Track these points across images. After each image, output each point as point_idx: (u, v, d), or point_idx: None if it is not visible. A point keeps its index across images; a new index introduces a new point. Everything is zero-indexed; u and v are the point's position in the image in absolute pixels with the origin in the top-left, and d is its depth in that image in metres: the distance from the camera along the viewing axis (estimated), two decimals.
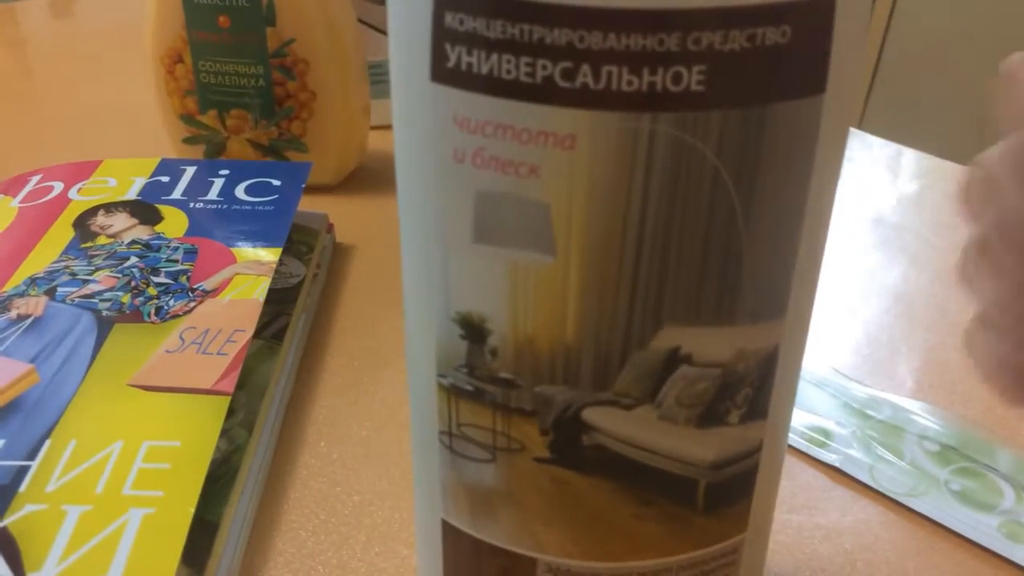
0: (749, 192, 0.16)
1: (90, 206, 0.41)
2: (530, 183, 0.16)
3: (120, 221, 0.39)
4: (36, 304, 0.34)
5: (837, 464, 0.32)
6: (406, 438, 0.33)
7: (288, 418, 0.34)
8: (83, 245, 0.38)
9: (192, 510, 0.25)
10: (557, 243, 0.16)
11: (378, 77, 0.57)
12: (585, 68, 0.14)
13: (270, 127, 0.49)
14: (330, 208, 0.49)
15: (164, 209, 0.40)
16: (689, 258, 0.16)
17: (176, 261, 0.37)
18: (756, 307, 0.17)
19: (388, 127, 0.58)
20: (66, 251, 0.37)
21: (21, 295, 0.34)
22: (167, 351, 0.31)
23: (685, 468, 0.19)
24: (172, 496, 0.26)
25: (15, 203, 0.41)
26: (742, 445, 0.19)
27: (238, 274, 0.36)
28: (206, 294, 0.35)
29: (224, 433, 0.30)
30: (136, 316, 0.33)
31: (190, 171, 0.44)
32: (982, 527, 0.29)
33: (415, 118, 0.17)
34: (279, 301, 0.38)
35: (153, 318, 0.33)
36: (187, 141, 0.51)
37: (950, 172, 0.55)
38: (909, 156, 0.57)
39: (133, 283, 0.35)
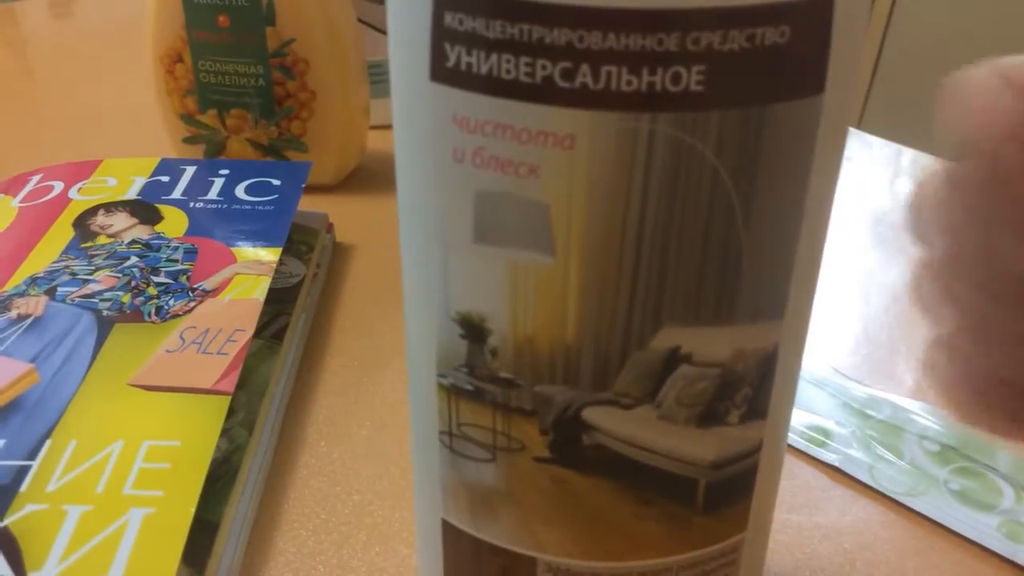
0: (748, 192, 0.16)
1: (90, 206, 0.41)
2: (529, 183, 0.16)
3: (120, 221, 0.39)
4: (36, 304, 0.34)
5: (837, 464, 0.32)
6: (406, 438, 0.33)
7: (288, 418, 0.34)
8: (83, 245, 0.38)
9: (192, 510, 0.25)
10: (557, 243, 0.16)
11: (378, 77, 0.57)
12: (584, 68, 0.14)
13: (270, 127, 0.49)
14: (330, 208, 0.49)
15: (164, 209, 0.40)
16: (688, 258, 0.16)
17: (176, 261, 0.37)
18: (755, 307, 0.17)
19: (388, 127, 0.58)
20: (66, 251, 0.37)
21: (21, 295, 0.34)
22: (167, 351, 0.31)
23: (685, 468, 0.19)
24: (172, 496, 0.26)
25: (15, 203, 0.41)
26: (742, 445, 0.19)
27: (238, 274, 0.36)
28: (206, 294, 0.35)
29: (224, 433, 0.30)
30: (136, 316, 0.33)
31: (190, 171, 0.44)
32: (982, 527, 0.29)
33: (415, 118, 0.17)
34: (279, 301, 0.38)
35: (153, 318, 0.33)
36: (187, 141, 0.51)
37: None
38: (908, 156, 0.57)
39: (133, 283, 0.35)
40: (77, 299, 0.34)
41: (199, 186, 0.42)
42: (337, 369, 0.37)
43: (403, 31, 0.16)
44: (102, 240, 0.38)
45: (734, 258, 0.17)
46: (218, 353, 0.31)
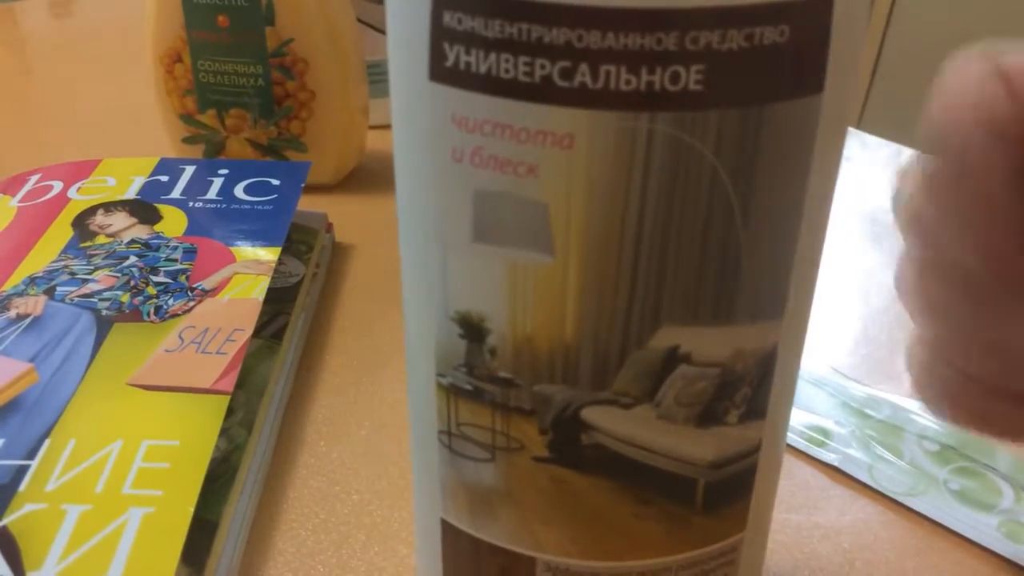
0: (747, 191, 0.16)
1: (89, 205, 0.41)
2: (528, 182, 0.16)
3: (119, 220, 0.39)
4: (35, 303, 0.34)
5: (836, 463, 0.32)
6: (405, 437, 0.33)
7: (287, 417, 0.34)
8: (82, 244, 0.38)
9: (192, 509, 0.25)
10: (556, 242, 0.16)
11: (377, 77, 0.57)
12: (583, 67, 0.14)
13: (269, 126, 0.49)
14: (329, 207, 0.49)
15: (163, 208, 0.40)
16: (687, 257, 0.16)
17: (175, 260, 0.37)
18: (755, 306, 0.17)
19: (387, 127, 0.58)
20: (65, 250, 0.37)
21: (20, 294, 0.34)
22: (166, 350, 0.31)
23: (684, 467, 0.19)
24: (172, 495, 0.26)
25: (14, 202, 0.41)
26: (741, 444, 0.19)
27: (237, 273, 0.36)
28: (205, 293, 0.35)
29: (223, 432, 0.30)
30: (135, 315, 0.33)
31: (189, 170, 0.44)
32: (981, 526, 0.29)
33: (414, 117, 0.17)
34: (278, 300, 0.38)
35: (152, 317, 0.33)
36: (186, 140, 0.51)
37: None
38: (908, 156, 0.57)
39: (132, 282, 0.35)
40: (76, 299, 0.34)
41: (198, 186, 0.42)
42: (336, 369, 0.37)
43: (402, 30, 0.16)
44: (101, 240, 0.38)
45: (733, 258, 0.17)
46: (217, 353, 0.31)
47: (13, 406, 0.29)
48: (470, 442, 0.19)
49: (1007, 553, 0.28)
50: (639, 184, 0.15)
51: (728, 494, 0.20)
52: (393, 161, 0.18)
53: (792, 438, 0.33)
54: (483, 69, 0.15)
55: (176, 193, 0.42)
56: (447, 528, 0.21)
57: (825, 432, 0.33)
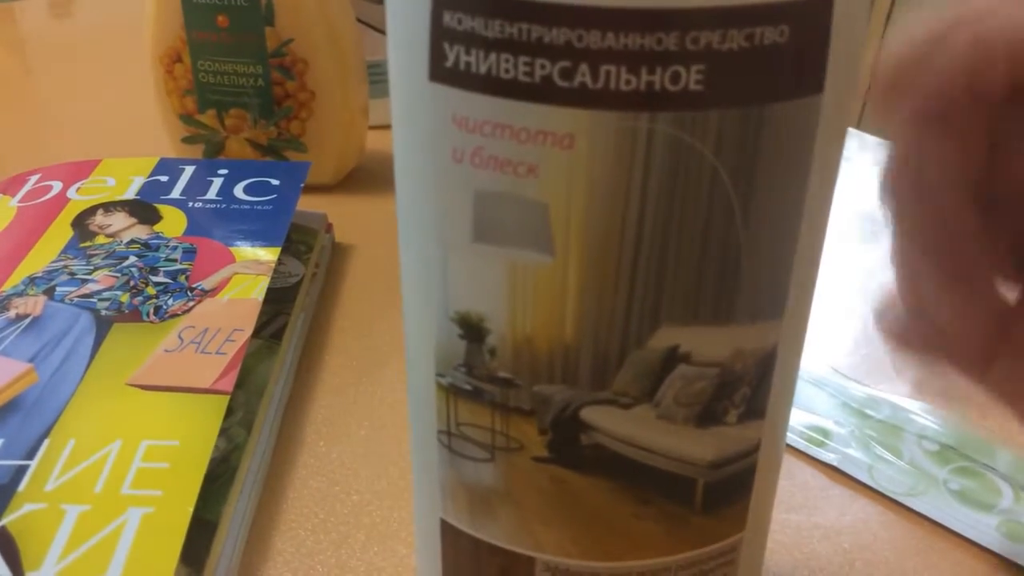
0: (747, 192, 0.16)
1: (89, 205, 0.41)
2: (528, 182, 0.16)
3: (119, 220, 0.39)
4: (35, 304, 0.34)
5: (836, 463, 0.32)
6: (405, 437, 0.33)
7: (287, 417, 0.34)
8: (82, 244, 0.38)
9: (191, 509, 0.25)
10: (555, 242, 0.16)
11: (377, 77, 0.57)
12: (583, 67, 0.14)
13: (269, 127, 0.49)
14: (329, 208, 0.49)
15: (163, 208, 0.40)
16: (687, 257, 0.16)
17: (175, 260, 0.37)
18: (754, 306, 0.17)
19: (387, 127, 0.58)
20: (65, 250, 0.37)
21: (20, 295, 0.34)
22: (166, 350, 0.31)
23: (683, 467, 0.19)
24: (171, 495, 0.26)
25: (14, 203, 0.41)
26: (740, 444, 0.19)
27: (237, 273, 0.36)
28: (205, 293, 0.35)
29: (223, 432, 0.30)
30: (135, 315, 0.33)
31: (189, 170, 0.44)
32: (981, 526, 0.29)
33: (414, 118, 0.17)
34: (278, 300, 0.38)
35: (152, 317, 0.33)
36: (186, 140, 0.51)
37: None
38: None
39: (132, 282, 0.35)
40: (76, 299, 0.34)
41: (198, 186, 0.42)
42: (336, 369, 0.37)
43: (402, 31, 0.16)
44: (101, 240, 0.38)
45: (733, 258, 0.17)
46: (217, 353, 0.31)
47: (12, 406, 0.29)
48: (470, 442, 0.19)
49: (1007, 553, 0.28)
50: (639, 184, 0.15)
51: (727, 494, 0.20)
52: (393, 161, 0.18)
53: (792, 438, 0.33)
54: (483, 69, 0.15)
55: (176, 193, 0.42)
56: (447, 528, 0.21)
57: (825, 432, 0.33)
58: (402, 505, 0.30)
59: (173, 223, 0.39)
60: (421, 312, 0.19)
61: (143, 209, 0.40)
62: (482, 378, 0.18)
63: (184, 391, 0.30)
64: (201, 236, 0.38)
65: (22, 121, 0.61)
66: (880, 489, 0.31)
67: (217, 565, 0.26)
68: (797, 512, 0.30)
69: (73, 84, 0.68)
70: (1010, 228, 0.20)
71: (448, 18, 0.15)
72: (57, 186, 0.42)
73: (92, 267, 0.36)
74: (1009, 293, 0.21)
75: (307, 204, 0.49)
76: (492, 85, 0.15)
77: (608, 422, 0.18)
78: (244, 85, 0.48)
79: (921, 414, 0.34)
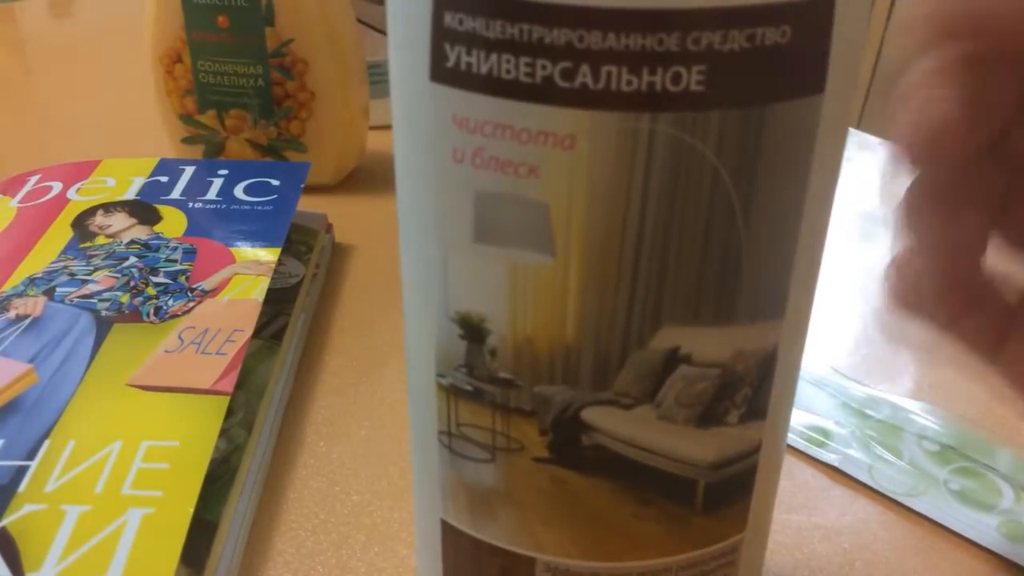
0: (748, 192, 0.16)
1: (89, 206, 0.41)
2: (529, 183, 0.16)
3: (119, 221, 0.39)
4: (35, 304, 0.34)
5: (836, 464, 0.32)
6: (405, 438, 0.33)
7: (287, 418, 0.34)
8: (82, 245, 0.38)
9: (191, 510, 0.25)
10: (556, 243, 0.16)
11: (377, 77, 0.57)
12: (584, 68, 0.14)
13: (269, 127, 0.49)
14: (329, 208, 0.49)
15: (163, 209, 0.40)
16: (688, 258, 0.16)
17: (175, 261, 0.37)
18: (755, 307, 0.17)
19: (387, 127, 0.58)
20: (65, 251, 0.37)
21: (20, 295, 0.34)
22: (166, 351, 0.31)
23: (684, 468, 0.19)
24: (171, 496, 0.26)
25: (14, 203, 0.41)
26: (741, 445, 0.19)
27: (237, 274, 0.36)
28: (205, 294, 0.35)
29: (223, 433, 0.30)
30: (135, 316, 0.33)
31: (189, 171, 0.44)
32: (981, 527, 0.29)
33: (414, 118, 0.17)
34: (278, 301, 0.38)
35: (152, 318, 0.33)
36: (186, 141, 0.51)
37: None
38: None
39: (132, 283, 0.35)
40: (76, 299, 0.34)
41: (198, 186, 0.42)
42: (336, 369, 0.37)
43: (403, 31, 0.16)
44: (101, 240, 0.38)
45: (734, 258, 0.17)
46: (217, 353, 0.31)
47: (13, 407, 0.29)
48: (470, 443, 0.19)
49: (1007, 553, 0.28)
50: (640, 185, 0.15)
51: (728, 494, 0.20)
52: (393, 162, 0.18)
53: (792, 438, 0.33)
54: (484, 70, 0.15)
55: (176, 194, 0.42)
56: (447, 529, 0.21)
57: (825, 432, 0.33)
58: (402, 506, 0.30)
59: (173, 223, 0.39)
60: (422, 312, 0.19)
61: (143, 210, 0.40)
62: (483, 379, 0.18)
63: (184, 392, 0.30)
64: (201, 237, 0.38)
65: (22, 121, 0.61)
66: (880, 489, 0.31)
67: (217, 566, 0.26)
68: (797, 512, 0.30)
69: (73, 84, 0.68)
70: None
71: (449, 19, 0.15)
72: (57, 187, 0.42)
73: (92, 268, 0.36)
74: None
75: (307, 204, 0.49)
76: (493, 85, 0.15)
77: (609, 423, 0.18)
78: (244, 85, 0.48)
79: (921, 414, 0.34)
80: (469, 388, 0.19)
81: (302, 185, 0.42)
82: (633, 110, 0.15)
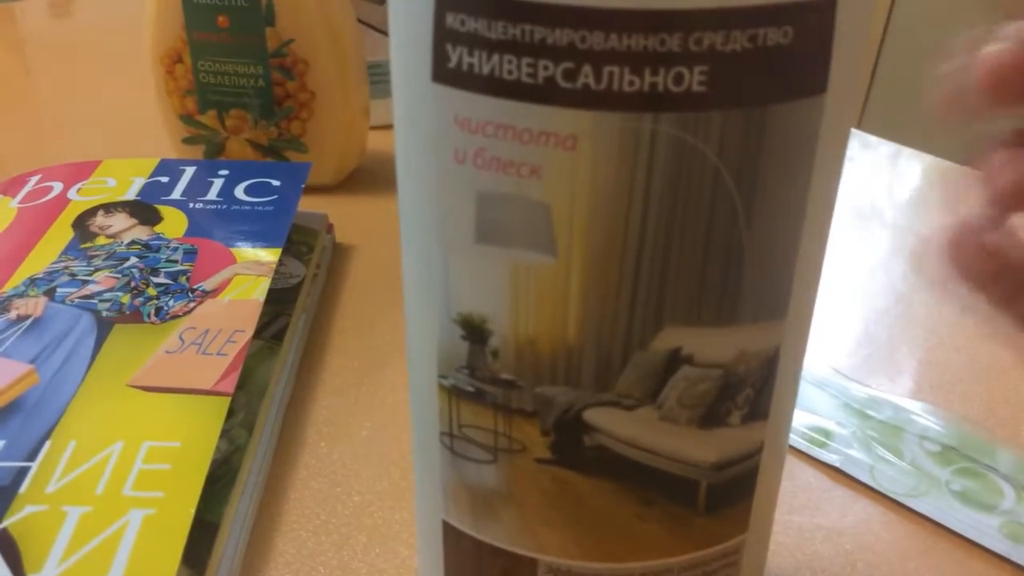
0: (750, 192, 0.16)
1: (89, 206, 0.40)
2: (531, 184, 0.16)
3: (119, 221, 0.39)
4: (35, 305, 0.34)
5: (837, 464, 0.32)
6: (407, 438, 0.33)
7: (288, 418, 0.34)
8: (82, 245, 0.38)
9: (192, 511, 0.25)
10: (558, 244, 0.16)
11: (378, 77, 0.57)
12: (587, 68, 0.14)
13: (269, 127, 0.49)
14: (330, 208, 0.49)
15: (163, 209, 0.40)
16: (690, 258, 0.16)
17: (176, 261, 0.37)
18: (757, 307, 0.17)
19: (388, 127, 0.58)
20: (65, 251, 0.37)
21: (20, 296, 0.34)
22: (167, 351, 0.31)
23: (686, 469, 0.19)
24: (172, 497, 0.26)
25: (14, 203, 0.41)
26: (743, 446, 0.19)
27: (238, 274, 0.36)
28: (206, 294, 0.35)
29: (224, 434, 0.30)
30: (136, 316, 0.33)
31: (189, 171, 0.44)
32: (983, 527, 0.29)
33: (416, 119, 0.17)
34: (279, 301, 0.38)
35: (153, 318, 0.33)
36: (186, 141, 0.51)
37: (949, 172, 0.55)
38: (908, 156, 0.57)
39: (133, 283, 0.35)
40: (76, 300, 0.34)
41: (199, 187, 0.42)
42: (337, 370, 0.37)
43: (405, 32, 0.16)
44: (101, 241, 0.38)
45: (736, 258, 0.17)
46: (218, 354, 0.31)
47: (14, 407, 0.29)
48: (472, 444, 0.19)
49: (1009, 554, 0.28)
50: (642, 185, 0.15)
51: (730, 495, 0.20)
52: (394, 162, 0.18)
53: (794, 439, 0.33)
54: (486, 70, 0.15)
55: (176, 194, 0.42)
56: (449, 530, 0.21)
57: (826, 433, 0.33)
58: (404, 506, 0.30)
59: (174, 224, 0.39)
60: (423, 313, 0.19)
61: (144, 210, 0.40)
62: (484, 380, 0.18)
63: (185, 392, 0.30)
64: (202, 237, 0.38)
65: (22, 121, 0.61)
66: (882, 490, 0.31)
67: (219, 567, 0.26)
68: (799, 513, 0.30)
69: (73, 84, 0.68)
70: None
71: (451, 19, 0.15)
72: (58, 187, 0.42)
73: (93, 268, 0.36)
74: None
75: (308, 205, 0.49)
76: (495, 86, 0.15)
77: (611, 424, 0.18)
78: (245, 86, 0.48)
79: (922, 415, 0.34)
80: (471, 389, 0.19)
81: (303, 185, 0.42)
82: (635, 110, 0.15)
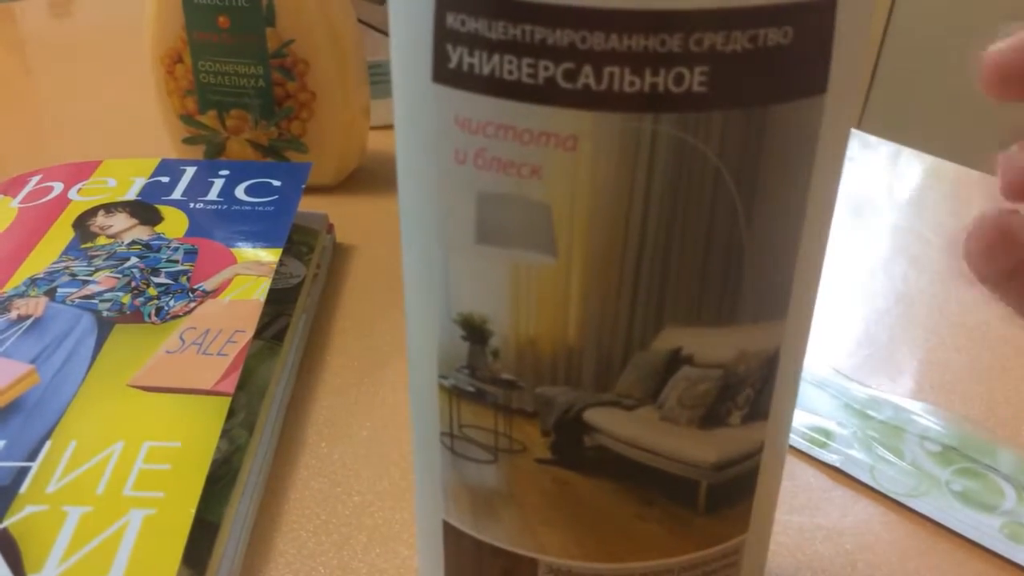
0: (750, 192, 0.16)
1: (90, 206, 0.40)
2: (532, 184, 0.16)
3: (120, 221, 0.39)
4: (36, 305, 0.34)
5: (838, 464, 0.32)
6: (407, 439, 0.33)
7: (289, 418, 0.34)
8: (83, 245, 0.38)
9: (193, 511, 0.25)
10: (559, 244, 0.16)
11: (378, 77, 0.57)
12: (587, 69, 0.14)
13: (270, 127, 0.49)
14: (330, 208, 0.49)
15: (164, 209, 0.40)
16: (691, 259, 0.16)
17: (176, 261, 0.37)
18: (757, 308, 0.17)
19: (388, 127, 0.58)
20: (66, 252, 0.37)
21: (21, 296, 0.34)
22: (167, 352, 0.31)
23: (687, 469, 0.19)
24: (173, 497, 0.26)
25: (15, 204, 0.41)
26: (743, 446, 0.19)
27: (238, 275, 0.36)
28: (206, 295, 0.35)
29: (225, 434, 0.30)
30: (136, 317, 0.33)
31: (190, 171, 0.44)
32: (984, 528, 0.29)
33: (417, 119, 0.17)
34: (279, 301, 0.38)
35: (153, 319, 0.33)
36: (187, 141, 0.51)
37: (950, 172, 0.55)
38: (908, 156, 0.57)
39: (133, 284, 0.35)
40: (77, 300, 0.34)
41: (199, 187, 0.42)
42: (337, 370, 0.37)
43: (405, 32, 0.16)
44: (102, 241, 0.38)
45: (736, 258, 0.17)
46: (218, 354, 0.31)
47: (14, 407, 0.29)
48: (472, 444, 0.19)
49: (1009, 554, 0.28)
50: (643, 185, 0.15)
51: (730, 495, 0.20)
52: (395, 162, 0.18)
53: (794, 439, 0.33)
54: (486, 71, 0.15)
55: (177, 194, 0.42)
56: (449, 530, 0.21)
57: (827, 433, 0.33)
58: (404, 506, 0.30)
59: (174, 224, 0.39)
60: (423, 314, 0.19)
61: (144, 210, 0.40)
62: (485, 380, 0.18)
63: (186, 392, 0.30)
64: (202, 237, 0.38)
65: (22, 121, 0.61)
66: (882, 490, 0.31)
67: (219, 567, 0.26)
68: (799, 513, 0.30)
69: (73, 84, 0.68)
70: None
71: (451, 20, 0.15)
72: (58, 187, 0.42)
73: (93, 268, 0.36)
74: None
75: (308, 205, 0.49)
76: (495, 86, 0.15)
77: (611, 424, 0.18)
78: (245, 86, 0.48)
79: (923, 415, 0.34)
80: (471, 389, 0.19)
81: (303, 185, 0.42)
82: (635, 111, 0.15)
